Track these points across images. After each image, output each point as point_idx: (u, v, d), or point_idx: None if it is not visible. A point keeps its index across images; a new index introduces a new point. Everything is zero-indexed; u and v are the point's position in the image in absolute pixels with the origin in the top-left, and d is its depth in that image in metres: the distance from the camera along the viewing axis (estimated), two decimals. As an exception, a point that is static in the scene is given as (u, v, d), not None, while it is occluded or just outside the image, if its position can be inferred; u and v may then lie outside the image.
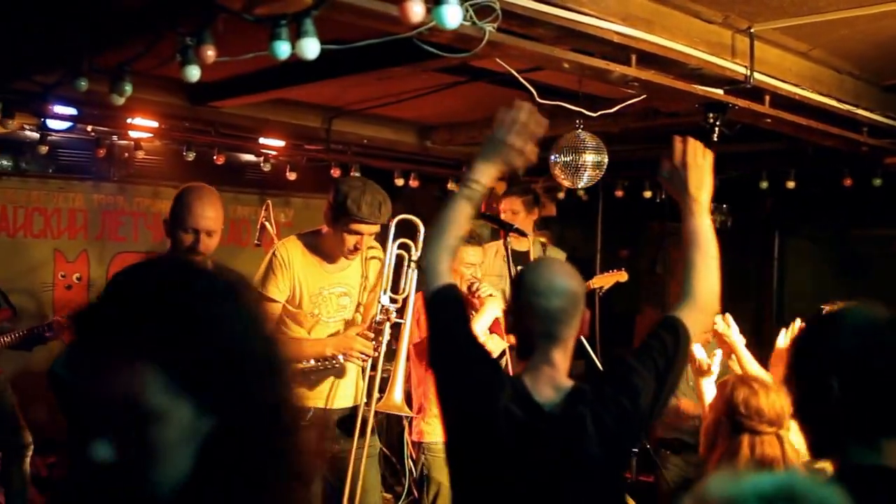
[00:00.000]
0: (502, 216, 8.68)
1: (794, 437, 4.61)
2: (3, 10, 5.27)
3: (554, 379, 3.60)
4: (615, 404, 3.58)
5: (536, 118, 3.94)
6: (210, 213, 5.44)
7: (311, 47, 4.01)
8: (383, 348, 6.20)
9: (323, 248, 6.24)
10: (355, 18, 4.34)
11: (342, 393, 6.28)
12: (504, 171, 3.98)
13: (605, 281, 8.42)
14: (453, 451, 3.82)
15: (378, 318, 6.20)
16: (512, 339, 4.03)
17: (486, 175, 3.87)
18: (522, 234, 6.54)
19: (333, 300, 6.26)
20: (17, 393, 8.18)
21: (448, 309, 3.78)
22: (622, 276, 8.43)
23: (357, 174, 10.00)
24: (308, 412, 4.98)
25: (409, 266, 6.30)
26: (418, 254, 3.80)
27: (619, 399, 3.59)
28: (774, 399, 4.31)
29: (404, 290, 6.28)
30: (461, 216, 3.85)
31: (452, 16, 3.67)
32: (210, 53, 4.37)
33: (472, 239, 6.66)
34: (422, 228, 6.34)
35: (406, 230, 6.43)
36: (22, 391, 8.25)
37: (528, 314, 3.63)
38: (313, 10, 3.96)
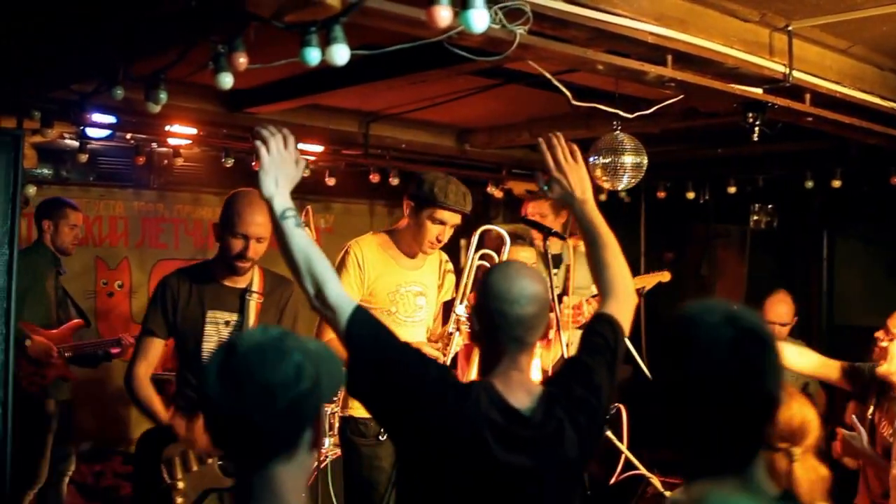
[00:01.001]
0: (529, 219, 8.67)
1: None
2: (39, 20, 5.29)
3: (525, 384, 3.59)
4: (585, 404, 3.62)
5: (280, 129, 3.98)
6: (260, 220, 5.46)
7: (340, 53, 4.00)
8: (449, 359, 6.16)
9: (400, 243, 6.24)
10: (385, 24, 4.33)
11: None
12: (292, 186, 3.95)
13: (647, 281, 8.37)
14: (427, 468, 3.60)
15: (450, 328, 6.17)
16: (474, 344, 4.01)
17: (288, 199, 3.86)
18: (561, 237, 6.50)
19: (410, 299, 6.22)
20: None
21: (376, 328, 3.65)
22: (665, 276, 8.38)
23: (396, 180, 10.03)
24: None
25: None
26: (315, 293, 3.62)
27: (588, 398, 3.64)
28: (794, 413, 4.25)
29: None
30: (310, 242, 3.75)
31: (479, 20, 3.64)
32: (242, 61, 4.37)
33: (523, 240, 6.64)
34: (507, 240, 6.34)
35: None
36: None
37: (498, 321, 3.55)
38: (342, 16, 3.95)
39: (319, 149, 9.85)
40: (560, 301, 6.71)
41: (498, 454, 3.42)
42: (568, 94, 6.04)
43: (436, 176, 6.02)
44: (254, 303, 5.69)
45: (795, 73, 5.92)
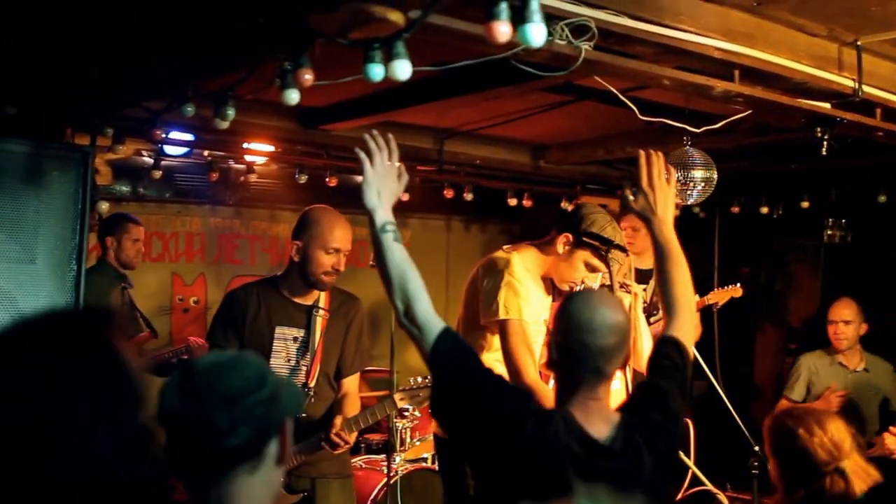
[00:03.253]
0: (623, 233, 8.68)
1: None
2: (111, 38, 5.38)
3: (603, 412, 3.57)
4: (663, 430, 3.62)
5: (387, 137, 4.06)
6: (348, 235, 5.71)
7: (402, 69, 4.03)
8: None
9: (551, 271, 5.93)
10: (448, 40, 4.38)
11: None
12: (395, 199, 4.02)
13: (720, 297, 8.36)
14: (503, 496, 3.55)
15: None
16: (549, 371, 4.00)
17: (390, 212, 3.93)
18: (624, 250, 6.49)
19: (540, 333, 5.81)
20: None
21: (462, 352, 3.68)
22: (737, 292, 8.37)
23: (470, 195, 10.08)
24: None
25: None
26: (404, 309, 3.63)
27: (666, 424, 3.64)
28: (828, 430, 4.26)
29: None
30: (406, 257, 3.79)
31: (537, 34, 3.64)
32: (308, 77, 4.43)
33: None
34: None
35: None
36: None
37: (579, 351, 3.53)
38: (405, 32, 3.98)
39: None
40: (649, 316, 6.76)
41: (577, 484, 3.40)
42: (634, 108, 6.05)
43: (605, 219, 5.77)
44: (320, 319, 5.76)
45: (865, 88, 5.88)
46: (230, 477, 2.53)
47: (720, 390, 6.23)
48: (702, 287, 7.89)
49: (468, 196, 10.45)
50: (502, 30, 3.63)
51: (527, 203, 10.91)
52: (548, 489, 3.43)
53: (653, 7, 4.73)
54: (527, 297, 5.66)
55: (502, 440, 3.48)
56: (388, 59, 4.06)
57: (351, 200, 10.71)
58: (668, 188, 4.26)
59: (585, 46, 4.47)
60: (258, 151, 9.21)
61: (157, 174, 8.99)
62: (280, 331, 5.70)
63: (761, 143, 8.53)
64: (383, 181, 3.94)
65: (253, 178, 9.70)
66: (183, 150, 9.00)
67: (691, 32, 4.95)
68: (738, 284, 8.46)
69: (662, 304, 4.11)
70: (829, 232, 11.16)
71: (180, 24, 4.92)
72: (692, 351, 3.88)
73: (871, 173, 9.78)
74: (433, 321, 3.64)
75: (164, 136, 8.09)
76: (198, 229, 10.31)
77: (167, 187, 9.86)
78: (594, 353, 3.50)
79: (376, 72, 4.11)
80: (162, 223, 9.64)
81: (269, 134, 8.44)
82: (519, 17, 3.64)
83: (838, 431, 4.25)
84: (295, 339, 5.70)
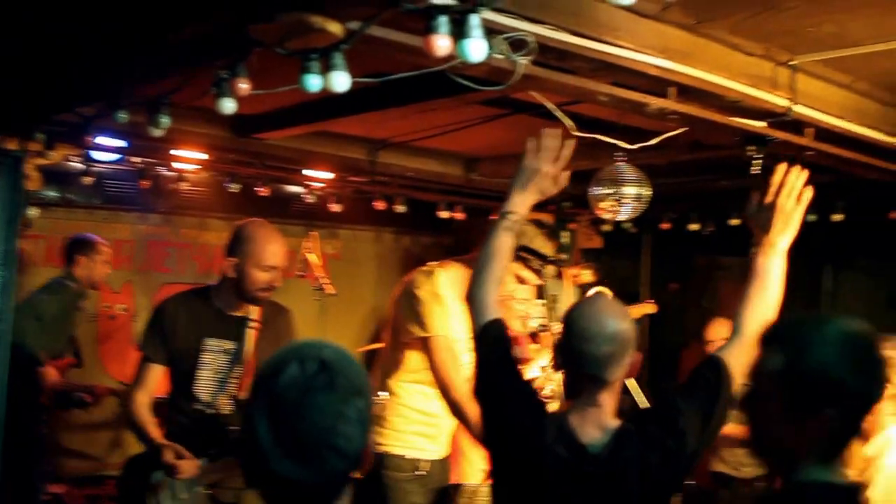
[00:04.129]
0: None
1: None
2: (44, 43, 5.32)
3: (600, 419, 3.59)
4: (661, 446, 3.58)
5: (566, 142, 4.11)
6: (283, 250, 5.64)
7: (340, 80, 4.02)
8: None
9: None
10: (387, 52, 4.36)
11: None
12: (540, 199, 4.08)
13: (633, 312, 8.40)
14: (497, 489, 3.82)
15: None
16: (559, 377, 4.04)
17: (522, 205, 4.01)
18: (557, 263, 6.49)
19: (468, 350, 5.65)
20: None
21: (496, 345, 3.82)
22: (651, 308, 8.43)
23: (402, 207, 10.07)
24: None
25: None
26: (469, 285, 3.85)
27: (665, 440, 3.59)
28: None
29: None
30: (504, 247, 3.94)
31: (477, 50, 3.64)
32: (244, 86, 4.40)
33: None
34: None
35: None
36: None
37: (577, 359, 3.59)
38: (343, 43, 3.97)
39: (327, 175, 9.90)
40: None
41: (554, 487, 3.49)
42: (570, 123, 6.06)
43: (534, 231, 5.76)
44: (252, 331, 5.71)
45: (797, 108, 5.94)
46: None
47: (635, 388, 6.29)
48: (629, 303, 7.94)
49: (400, 208, 10.47)
50: (441, 43, 3.62)
51: (459, 216, 10.94)
52: (530, 486, 3.55)
53: (591, 22, 4.72)
54: (452, 314, 5.65)
55: (507, 433, 3.69)
56: (325, 70, 4.05)
57: (282, 210, 10.78)
58: (795, 211, 4.09)
59: (524, 61, 4.47)
60: (189, 159, 9.13)
61: (89, 180, 8.93)
62: (210, 342, 5.64)
63: (693, 160, 8.57)
64: (536, 177, 4.05)
65: (184, 186, 9.64)
66: (113, 156, 8.91)
67: (629, 49, 4.95)
68: (652, 301, 8.49)
69: (735, 320, 4.04)
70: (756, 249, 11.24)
71: (116, 30, 4.87)
72: (736, 378, 3.77)
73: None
74: (488, 309, 3.85)
75: (95, 142, 8.02)
76: (126, 236, 10.25)
77: (96, 193, 9.77)
78: (590, 360, 3.56)
79: (313, 82, 4.08)
80: (90, 230, 9.47)
81: (200, 141, 8.36)
82: (459, 32, 3.63)
83: None
84: (226, 351, 5.64)
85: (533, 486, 3.55)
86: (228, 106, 4.54)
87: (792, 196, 4.07)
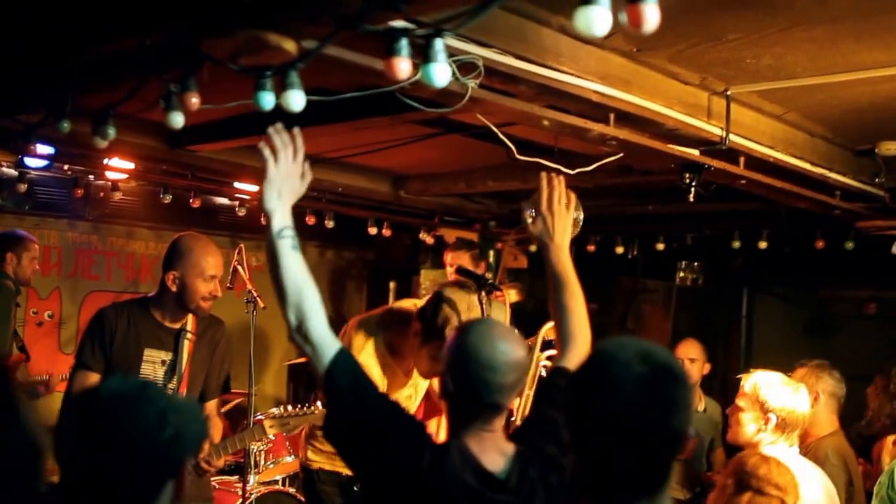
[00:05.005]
0: (448, 269, 8.78)
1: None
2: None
3: (498, 444, 3.53)
4: (555, 462, 3.58)
5: (293, 135, 4.00)
6: (221, 260, 5.83)
7: (296, 99, 4.04)
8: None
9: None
10: (341, 72, 4.39)
11: None
12: (296, 199, 3.95)
13: (552, 333, 8.46)
14: None
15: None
16: (442, 403, 3.77)
17: (287, 214, 3.83)
18: (497, 288, 6.53)
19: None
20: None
21: (356, 377, 3.57)
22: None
23: (331, 222, 10.08)
24: None
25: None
26: (297, 324, 3.69)
27: (558, 456, 3.58)
28: (785, 471, 4.36)
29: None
30: (304, 267, 3.69)
31: (441, 74, 3.67)
32: (194, 101, 4.39)
33: (468, 288, 6.58)
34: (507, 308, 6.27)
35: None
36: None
37: (478, 387, 3.45)
38: (299, 62, 3.98)
39: (257, 189, 9.90)
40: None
41: None
42: (512, 147, 6.12)
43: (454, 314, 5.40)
44: (188, 342, 5.75)
45: (732, 137, 6.04)
46: None
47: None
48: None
49: (329, 223, 10.51)
50: (402, 66, 3.65)
51: (386, 232, 10.97)
52: None
53: (536, 47, 4.77)
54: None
55: (397, 468, 3.42)
56: (280, 88, 4.06)
57: (210, 221, 10.76)
58: (567, 214, 4.32)
59: (472, 84, 4.52)
60: (120, 168, 9.09)
61: (23, 187, 8.88)
62: (148, 353, 5.67)
63: (620, 184, 8.65)
64: (286, 180, 3.84)
65: (115, 194, 9.61)
66: (44, 162, 8.86)
67: (571, 74, 5.01)
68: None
69: (557, 334, 4.10)
70: (682, 274, 11.41)
71: (63, 36, 4.83)
72: None
73: (726, 219, 10.00)
74: (329, 341, 3.53)
75: (34, 149, 7.99)
76: (55, 243, 10.17)
77: (26, 200, 9.69)
78: (493, 389, 3.45)
79: (267, 100, 4.10)
80: (18, 236, 9.44)
81: (132, 151, 8.30)
82: (423, 57, 3.67)
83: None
84: (163, 361, 5.69)
85: None
86: (177, 120, 4.52)
87: (562, 201, 4.34)
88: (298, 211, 9.76)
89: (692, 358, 8.25)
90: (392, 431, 3.49)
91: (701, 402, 8.39)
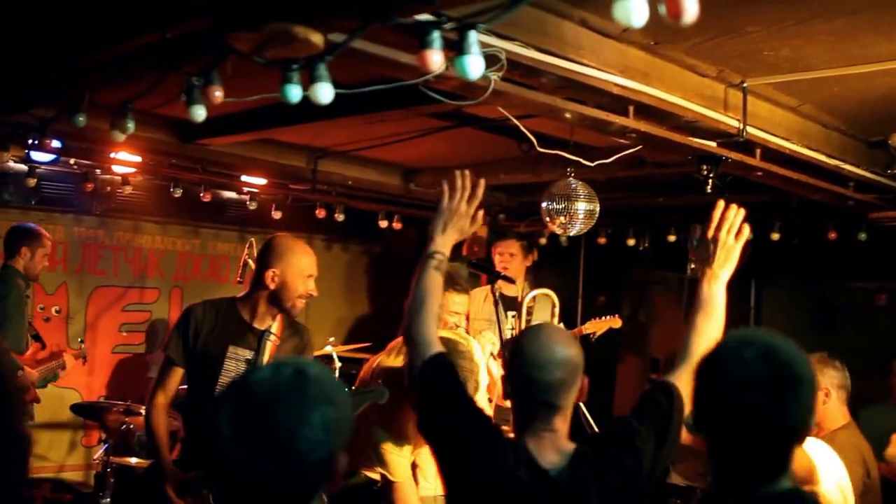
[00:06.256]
0: (497, 258, 8.74)
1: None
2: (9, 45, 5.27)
3: (556, 443, 3.60)
4: (619, 466, 3.61)
5: (478, 182, 4.13)
6: (315, 260, 5.89)
7: (324, 92, 4.02)
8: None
9: None
10: (367, 65, 4.38)
11: None
12: (459, 238, 4.15)
13: (598, 326, 8.43)
14: None
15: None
16: (508, 402, 3.99)
17: (445, 245, 4.08)
18: (510, 280, 6.54)
19: None
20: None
21: (444, 377, 3.82)
22: (616, 323, 8.44)
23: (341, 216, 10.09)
24: None
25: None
26: (407, 325, 3.88)
27: (623, 460, 3.62)
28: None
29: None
30: (436, 286, 4.00)
31: (475, 66, 3.67)
32: (218, 94, 4.38)
33: (458, 286, 6.64)
34: (557, 303, 6.33)
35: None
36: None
37: (528, 386, 3.61)
38: (327, 55, 3.97)
39: (262, 181, 9.90)
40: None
41: None
42: (533, 140, 6.11)
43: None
44: (270, 344, 5.81)
45: (748, 129, 6.04)
46: None
47: (584, 412, 6.31)
48: (566, 316, 7.99)
49: (339, 216, 10.49)
50: (435, 59, 3.64)
51: (397, 225, 10.95)
52: None
53: (557, 41, 4.78)
54: None
55: (467, 463, 3.63)
56: (306, 80, 4.05)
57: (219, 215, 10.73)
58: (734, 246, 4.19)
59: (495, 77, 4.51)
60: (127, 162, 9.07)
61: (32, 182, 8.84)
62: (233, 350, 5.74)
63: (631, 177, 8.65)
64: (454, 218, 4.10)
65: (123, 189, 9.57)
66: (51, 157, 8.83)
67: (592, 67, 5.01)
68: (617, 315, 8.53)
69: (680, 348, 4.08)
70: (693, 266, 11.35)
71: (87, 34, 4.81)
72: (686, 402, 3.79)
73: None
74: (430, 345, 3.85)
75: (49, 143, 7.97)
76: (61, 237, 10.08)
77: (33, 194, 9.65)
78: (542, 387, 3.57)
79: (294, 93, 4.09)
80: (23, 231, 9.40)
81: (142, 145, 8.31)
82: (457, 49, 3.66)
83: None
84: (246, 360, 5.72)
85: None
86: (200, 113, 4.52)
87: (732, 231, 4.18)
88: (308, 205, 9.86)
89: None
90: (464, 428, 3.71)
91: None
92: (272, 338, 5.80)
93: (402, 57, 4.17)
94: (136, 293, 10.72)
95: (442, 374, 3.82)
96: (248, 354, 5.74)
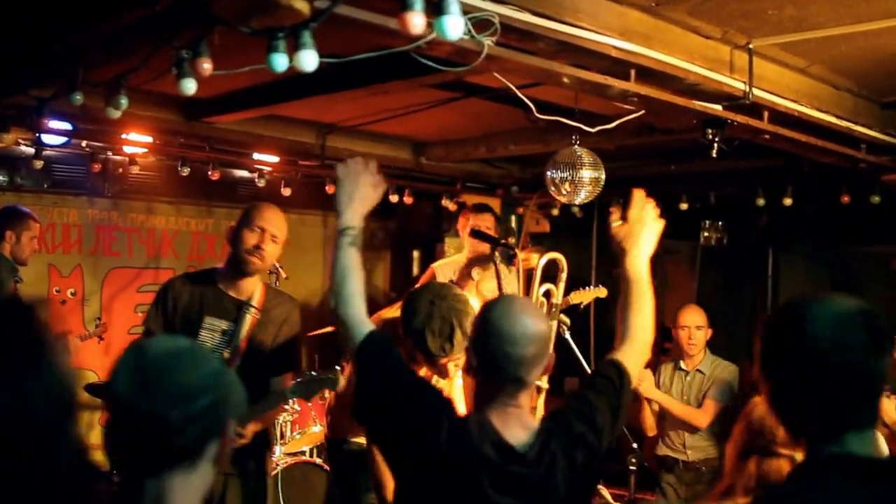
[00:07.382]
0: (462, 233, 8.70)
1: None
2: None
3: (522, 419, 3.55)
4: (583, 441, 3.59)
5: (367, 159, 4.20)
6: (278, 220, 5.76)
7: (309, 60, 3.99)
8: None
9: None
10: (353, 31, 4.33)
11: None
12: (369, 206, 4.12)
13: (583, 297, 8.35)
14: (421, 497, 3.63)
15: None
16: (468, 378, 3.88)
17: (356, 218, 4.02)
18: (511, 248, 6.47)
19: None
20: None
21: (384, 354, 3.75)
22: (601, 293, 8.37)
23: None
24: None
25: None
26: (334, 306, 3.82)
27: (586, 435, 3.61)
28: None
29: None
30: (355, 261, 3.90)
31: (454, 27, 3.63)
32: (206, 66, 4.36)
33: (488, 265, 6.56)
34: (565, 267, 6.31)
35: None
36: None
37: (498, 360, 3.51)
38: (311, 22, 3.93)
39: (276, 159, 9.87)
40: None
41: (489, 492, 3.40)
42: (532, 106, 6.05)
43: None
44: (250, 316, 5.74)
45: (755, 91, 5.96)
46: (169, 473, 2.50)
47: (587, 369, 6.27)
48: (576, 288, 7.98)
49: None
50: (416, 21, 3.60)
51: (407, 200, 10.88)
52: (460, 495, 3.44)
53: (554, 4, 4.72)
54: None
55: (420, 443, 3.52)
56: (293, 49, 4.01)
57: (230, 194, 10.71)
58: (655, 226, 4.37)
59: (488, 42, 4.44)
60: (138, 142, 9.06)
61: (39, 164, 8.79)
62: (209, 321, 5.71)
63: (642, 145, 8.60)
64: (356, 185, 4.07)
65: (133, 169, 9.57)
66: (62, 139, 8.82)
67: (590, 30, 4.95)
68: (602, 286, 8.47)
69: (618, 328, 4.11)
70: (706, 234, 11.31)
71: (74, 11, 4.79)
72: (634, 379, 3.89)
73: (750, 176, 9.92)
74: (361, 324, 3.76)
75: (47, 125, 7.95)
76: (75, 220, 10.10)
77: (44, 178, 9.65)
78: (513, 362, 3.48)
79: (280, 62, 4.06)
80: (39, 214, 9.30)
81: (149, 125, 8.32)
82: (436, 10, 3.61)
83: None
84: (223, 331, 5.69)
85: (461, 490, 3.45)
86: (189, 86, 4.51)
87: (652, 214, 4.39)
88: (318, 181, 9.83)
89: (699, 325, 8.16)
90: (414, 404, 3.61)
91: (719, 366, 8.26)
92: (251, 310, 5.75)
93: (391, 23, 4.10)
94: (150, 274, 10.64)
95: (382, 352, 3.75)
96: (225, 325, 5.70)
